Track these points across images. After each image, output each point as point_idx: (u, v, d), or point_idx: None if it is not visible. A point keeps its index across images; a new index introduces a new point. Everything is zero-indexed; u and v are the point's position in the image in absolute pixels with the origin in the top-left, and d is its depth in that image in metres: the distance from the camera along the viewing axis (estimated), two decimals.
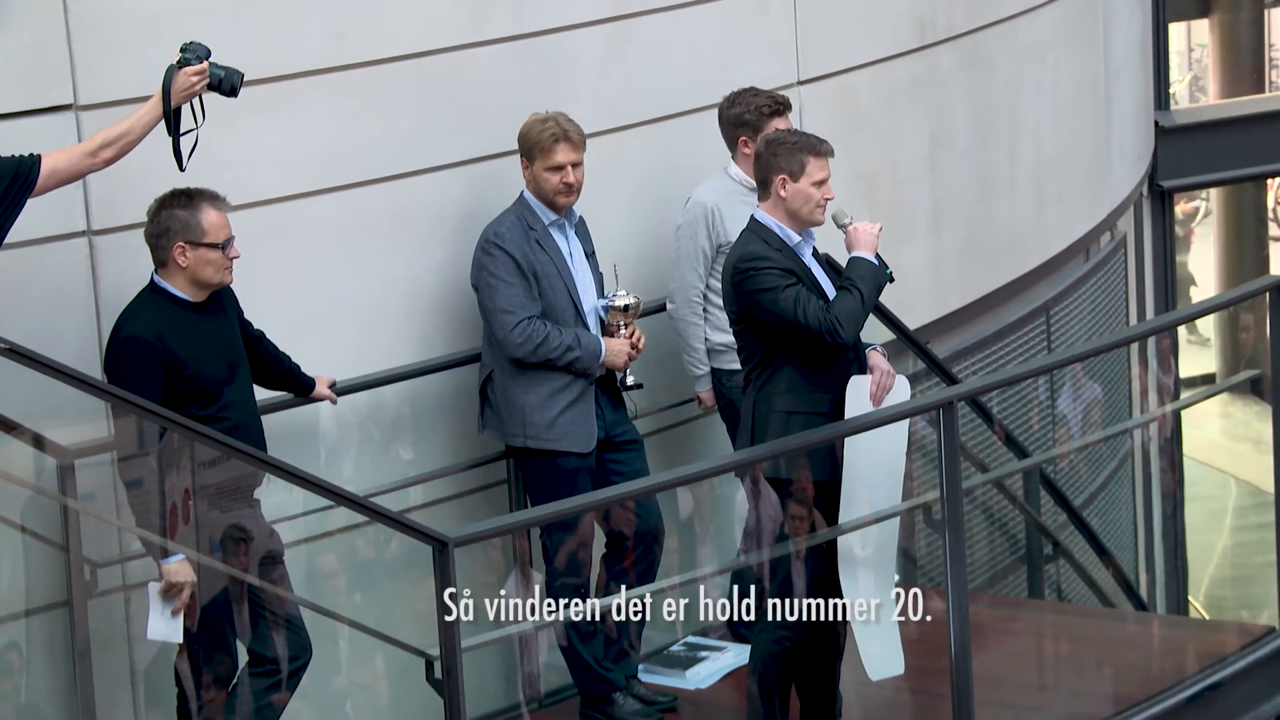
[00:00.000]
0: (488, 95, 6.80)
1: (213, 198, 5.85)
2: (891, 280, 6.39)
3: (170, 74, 5.61)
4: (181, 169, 5.72)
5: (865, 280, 6.17)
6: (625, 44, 7.16)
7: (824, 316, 6.11)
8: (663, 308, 7.17)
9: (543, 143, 6.58)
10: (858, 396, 6.28)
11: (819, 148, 6.29)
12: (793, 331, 6.12)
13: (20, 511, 5.60)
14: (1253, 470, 11.71)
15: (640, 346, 6.84)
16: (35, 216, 5.71)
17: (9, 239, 5.70)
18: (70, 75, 6.04)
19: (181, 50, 5.66)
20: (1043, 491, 8.39)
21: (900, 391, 6.37)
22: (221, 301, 5.95)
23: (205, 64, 5.66)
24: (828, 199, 6.30)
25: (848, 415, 6.32)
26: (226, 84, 5.70)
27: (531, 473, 6.79)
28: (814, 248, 6.42)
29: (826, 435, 6.25)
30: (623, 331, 6.73)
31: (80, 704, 5.91)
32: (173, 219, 5.82)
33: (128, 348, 5.78)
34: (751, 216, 6.35)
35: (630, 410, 6.95)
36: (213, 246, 5.80)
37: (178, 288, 5.85)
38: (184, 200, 5.84)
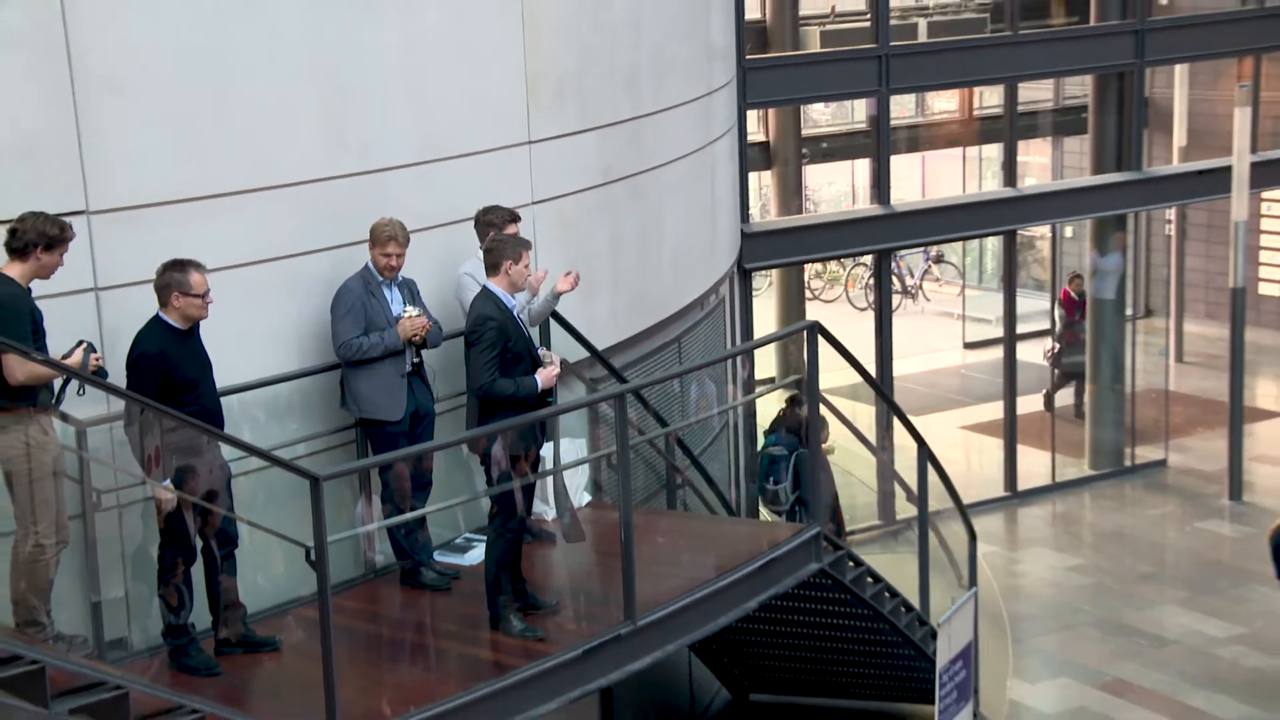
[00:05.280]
0: (346, 206, 6.76)
1: (197, 266, 5.79)
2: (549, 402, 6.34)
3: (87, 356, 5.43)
4: (61, 402, 5.46)
5: (524, 390, 6.18)
6: (428, 177, 7.11)
7: (486, 382, 6.13)
8: (455, 335, 6.89)
9: (380, 238, 6.61)
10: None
11: (527, 245, 6.46)
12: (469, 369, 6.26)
13: (51, 461, 5.48)
14: None
15: (422, 329, 6.62)
16: (55, 279, 5.58)
17: (42, 291, 5.55)
18: (82, 184, 5.83)
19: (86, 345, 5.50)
20: (676, 447, 8.50)
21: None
22: (198, 329, 5.87)
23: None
24: (528, 275, 6.45)
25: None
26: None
27: (370, 434, 6.76)
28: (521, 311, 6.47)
29: (531, 419, 6.32)
30: (407, 316, 6.62)
31: (91, 577, 5.88)
32: (177, 278, 5.74)
33: (143, 359, 5.71)
34: (484, 287, 6.39)
35: (434, 394, 6.90)
36: (196, 296, 5.76)
37: (174, 320, 5.77)
38: (179, 267, 5.76)
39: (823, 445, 8.68)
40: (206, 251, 6.01)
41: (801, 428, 9.17)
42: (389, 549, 6.88)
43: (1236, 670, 10.14)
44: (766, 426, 10.07)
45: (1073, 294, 14.52)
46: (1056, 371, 14.48)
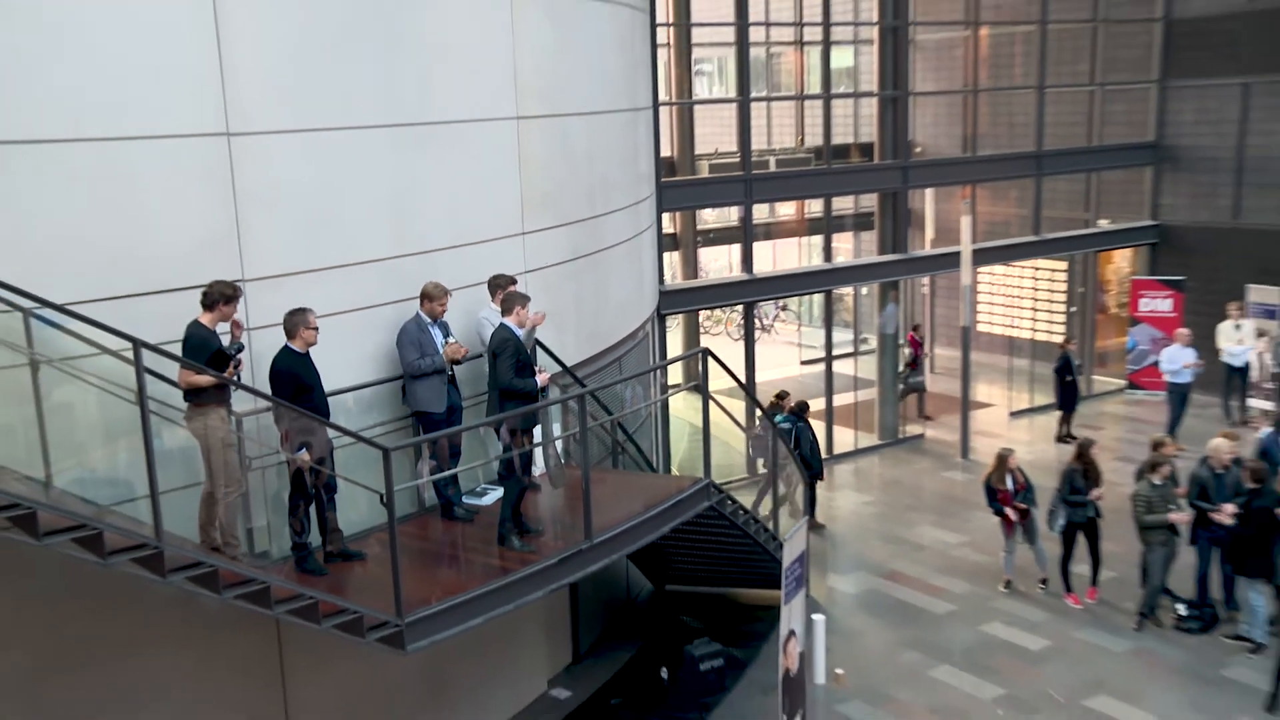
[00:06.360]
0: (407, 275, 6.69)
1: (311, 310, 5.73)
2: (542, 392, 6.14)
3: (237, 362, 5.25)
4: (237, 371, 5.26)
5: (529, 386, 6.12)
6: (459, 256, 7.03)
7: (508, 379, 6.04)
8: (475, 357, 6.80)
9: (436, 294, 6.52)
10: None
11: (528, 298, 6.40)
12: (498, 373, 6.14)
13: (223, 438, 5.41)
14: (696, 419, 11.65)
15: (462, 353, 6.43)
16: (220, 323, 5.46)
17: (223, 329, 5.46)
18: (240, 263, 5.77)
19: (235, 349, 5.31)
20: (617, 428, 8.43)
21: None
22: (310, 353, 5.79)
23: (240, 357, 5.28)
24: (529, 315, 6.38)
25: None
26: (236, 356, 5.28)
27: (421, 421, 6.65)
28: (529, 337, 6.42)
29: (529, 410, 6.24)
30: (449, 345, 6.55)
31: (246, 512, 5.82)
32: (299, 319, 5.69)
33: (280, 374, 5.65)
34: (501, 322, 6.36)
35: (462, 394, 6.83)
36: (313, 329, 5.71)
37: (297, 346, 5.71)
38: (301, 312, 5.71)
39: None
40: (318, 304, 6.01)
41: (796, 409, 9.12)
42: (434, 494, 6.87)
43: (964, 563, 10.38)
44: (771, 409, 9.65)
45: (916, 337, 14.49)
46: (902, 386, 14.26)
